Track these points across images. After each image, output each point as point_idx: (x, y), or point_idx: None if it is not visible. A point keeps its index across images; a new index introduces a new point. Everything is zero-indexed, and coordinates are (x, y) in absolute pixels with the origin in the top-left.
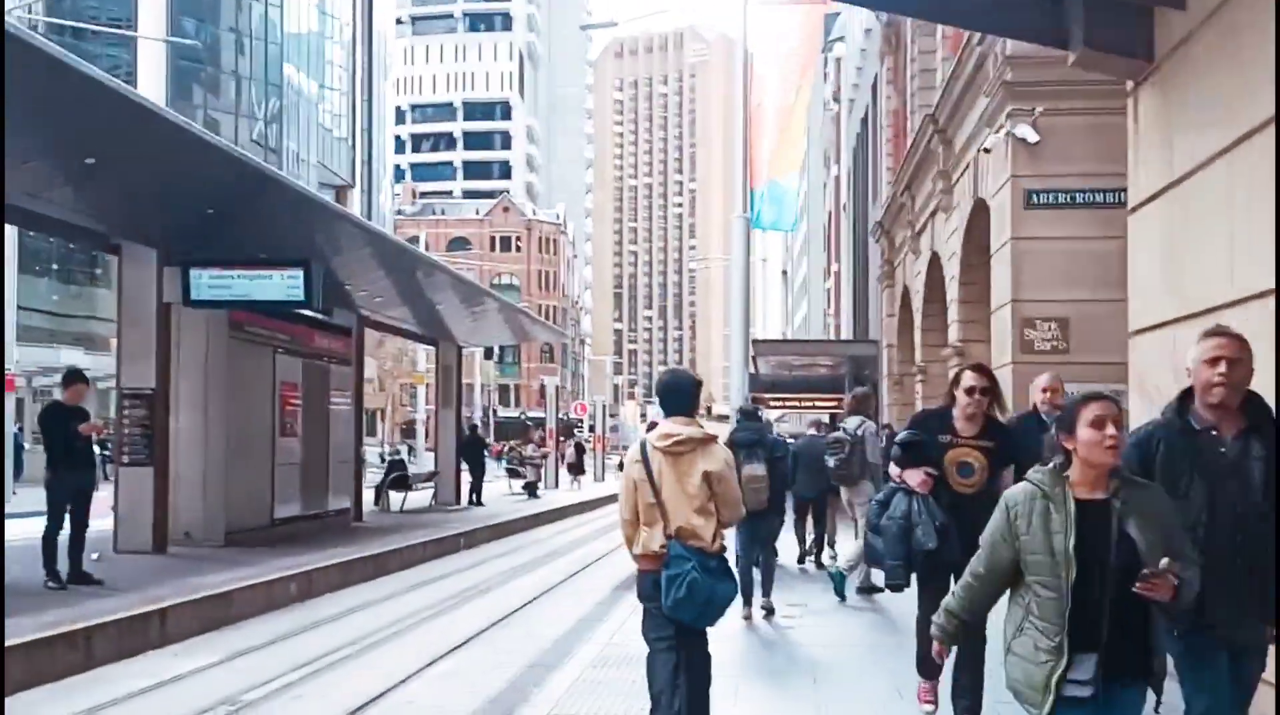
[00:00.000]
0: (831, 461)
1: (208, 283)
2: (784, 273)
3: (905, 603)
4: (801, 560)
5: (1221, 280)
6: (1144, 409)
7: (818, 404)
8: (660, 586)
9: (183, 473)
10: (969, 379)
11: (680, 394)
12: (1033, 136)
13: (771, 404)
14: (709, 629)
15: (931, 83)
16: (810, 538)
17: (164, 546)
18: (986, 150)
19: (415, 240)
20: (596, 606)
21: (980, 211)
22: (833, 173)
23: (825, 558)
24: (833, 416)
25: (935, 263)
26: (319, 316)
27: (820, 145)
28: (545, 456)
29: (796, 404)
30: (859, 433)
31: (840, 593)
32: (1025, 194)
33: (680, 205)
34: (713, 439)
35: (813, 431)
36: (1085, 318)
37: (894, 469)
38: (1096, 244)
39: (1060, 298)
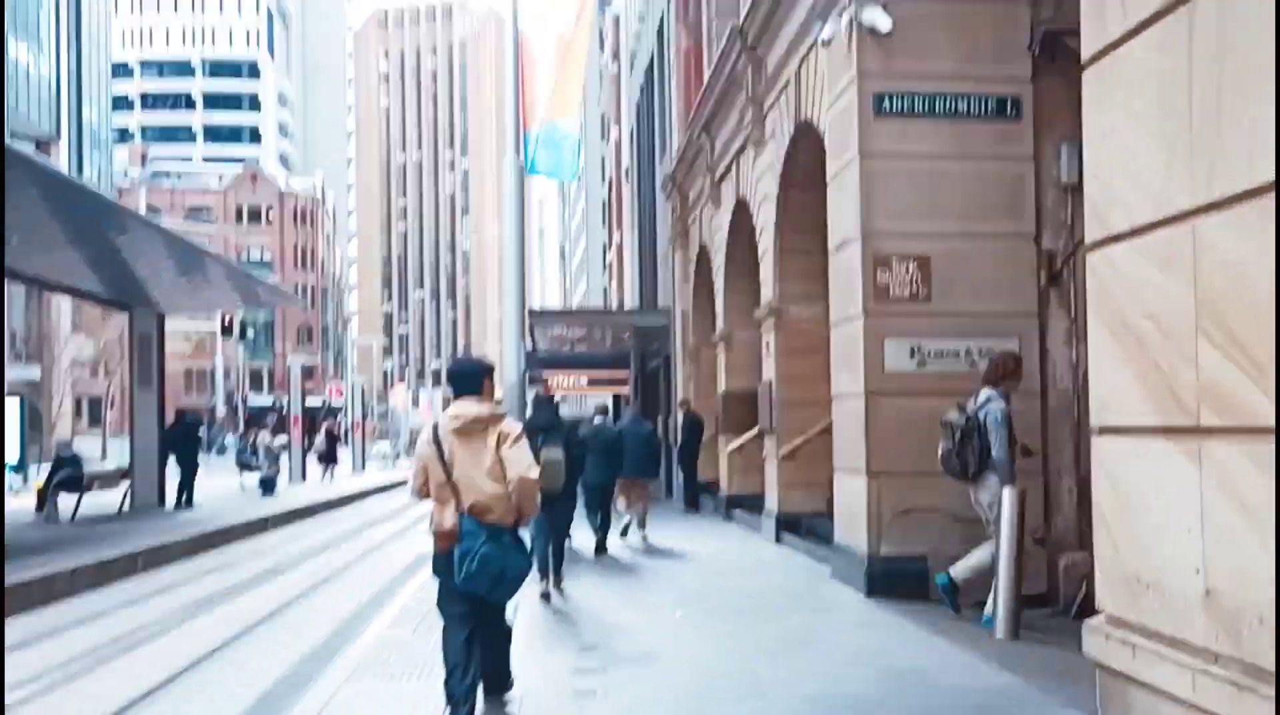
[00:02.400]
0: (940, 448)
1: None
2: (561, 252)
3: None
4: (599, 550)
5: None
6: (1118, 352)
7: (600, 382)
8: (454, 562)
9: None
10: None
11: (470, 376)
12: (884, 23)
13: (549, 384)
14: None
15: (733, 8)
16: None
17: None
18: (825, 43)
19: (147, 210)
20: (303, 661)
21: (805, 139)
22: (613, 138)
23: (635, 539)
24: (617, 397)
25: (742, 212)
26: None
27: (598, 111)
28: (284, 446)
29: (577, 383)
30: (981, 414)
31: (955, 607)
32: (875, 99)
33: (453, 183)
34: (502, 417)
35: (600, 418)
36: (950, 257)
37: None
38: (962, 165)
39: (920, 231)
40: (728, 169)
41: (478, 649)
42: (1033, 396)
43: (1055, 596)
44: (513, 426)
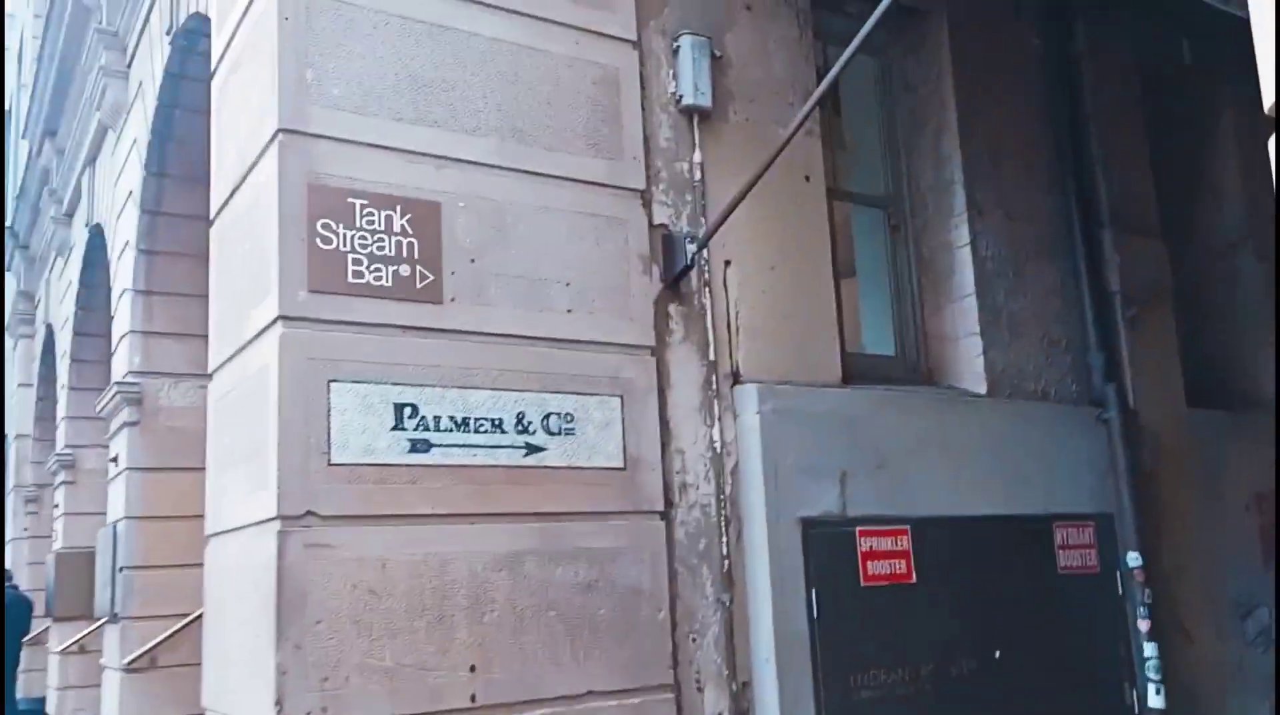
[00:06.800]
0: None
1: None
2: None
3: None
4: None
5: None
6: None
7: None
8: None
9: None
10: None
11: None
12: None
13: None
14: None
15: None
16: None
17: None
18: None
19: None
20: None
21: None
22: None
23: None
24: None
25: (98, 248)
26: None
27: None
28: None
29: None
30: None
31: None
32: None
33: None
34: None
35: None
36: (485, 211)
37: None
38: (504, 25)
39: (419, 148)
40: (77, 189)
41: None
42: (652, 520)
43: None
44: None
